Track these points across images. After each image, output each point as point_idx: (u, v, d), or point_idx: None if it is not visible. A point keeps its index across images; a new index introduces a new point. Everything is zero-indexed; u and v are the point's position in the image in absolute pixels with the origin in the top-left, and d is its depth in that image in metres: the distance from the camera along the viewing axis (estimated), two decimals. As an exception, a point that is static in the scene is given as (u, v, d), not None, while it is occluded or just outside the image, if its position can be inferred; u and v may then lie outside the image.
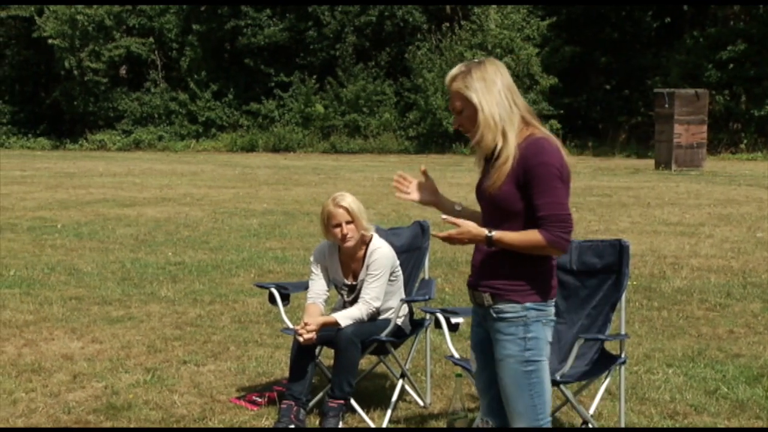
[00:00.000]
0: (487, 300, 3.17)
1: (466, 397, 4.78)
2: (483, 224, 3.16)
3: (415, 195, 3.32)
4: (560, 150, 3.09)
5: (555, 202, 3.02)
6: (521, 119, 3.10)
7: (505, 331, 3.13)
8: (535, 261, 3.13)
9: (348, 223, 4.62)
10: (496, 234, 3.07)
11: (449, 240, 3.11)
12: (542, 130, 3.12)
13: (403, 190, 3.32)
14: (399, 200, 3.23)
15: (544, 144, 3.06)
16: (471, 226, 3.10)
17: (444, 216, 3.21)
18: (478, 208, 3.30)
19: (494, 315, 3.16)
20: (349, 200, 4.65)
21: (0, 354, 5.81)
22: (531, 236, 3.04)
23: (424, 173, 3.38)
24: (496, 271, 3.15)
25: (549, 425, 3.20)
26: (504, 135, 3.07)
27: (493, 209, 3.14)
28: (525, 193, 3.04)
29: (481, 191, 3.20)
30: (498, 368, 3.18)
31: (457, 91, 3.11)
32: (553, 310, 3.21)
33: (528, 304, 3.11)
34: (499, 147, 3.09)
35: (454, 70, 3.15)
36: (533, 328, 3.12)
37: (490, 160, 3.15)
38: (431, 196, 3.35)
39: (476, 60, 3.16)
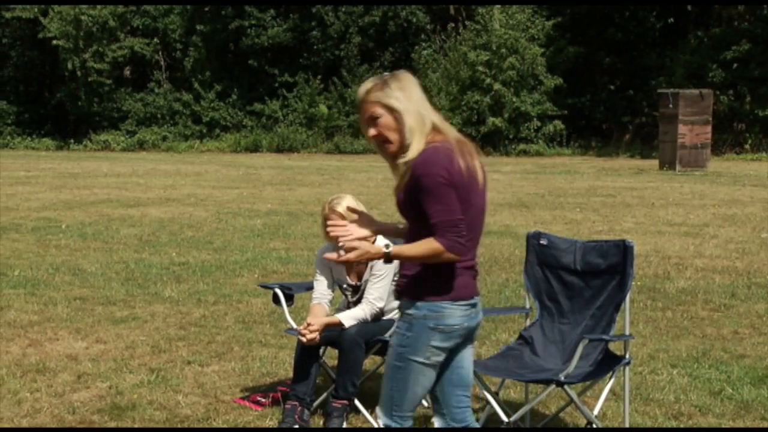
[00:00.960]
0: (395, 296, 3.31)
1: (471, 397, 4.76)
2: (406, 231, 3.27)
3: (359, 231, 3.33)
4: (450, 155, 3.10)
5: (443, 209, 3.08)
6: (433, 127, 3.17)
7: (399, 324, 3.26)
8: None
9: None
10: (393, 249, 3.15)
11: (348, 262, 3.21)
12: (447, 135, 3.17)
13: (341, 233, 3.27)
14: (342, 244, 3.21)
15: (428, 154, 3.10)
16: (368, 246, 3.18)
17: (328, 255, 3.27)
18: None
19: (400, 311, 3.29)
20: (344, 204, 4.59)
21: (5, 354, 5.82)
22: (427, 245, 3.10)
23: (351, 211, 3.51)
24: (403, 271, 3.26)
25: (407, 423, 3.28)
26: (411, 144, 3.13)
27: (403, 215, 3.25)
28: (417, 201, 3.11)
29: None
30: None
31: (376, 101, 3.15)
32: (456, 312, 3.16)
33: (419, 303, 3.17)
34: (404, 155, 3.16)
35: (368, 84, 3.20)
36: (416, 329, 3.17)
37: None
38: (372, 225, 3.42)
39: (387, 74, 3.22)
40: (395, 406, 3.26)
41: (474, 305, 3.24)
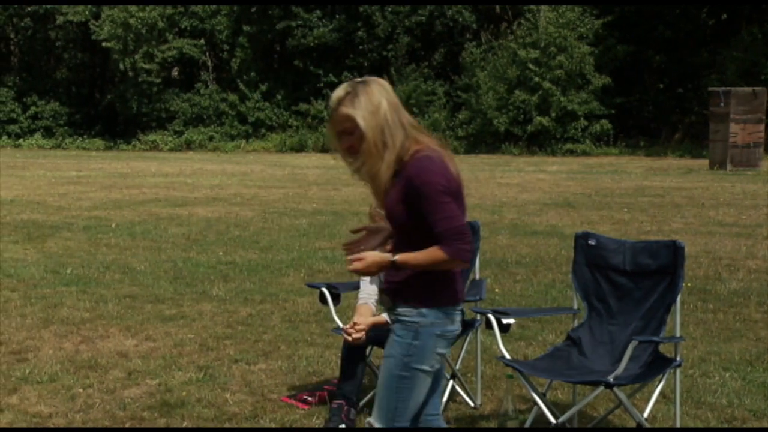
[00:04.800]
0: (388, 302, 3.23)
1: (517, 398, 4.74)
2: (394, 239, 3.24)
3: (371, 244, 3.30)
4: (444, 163, 3.09)
5: (446, 216, 3.03)
6: (407, 137, 3.10)
7: (397, 332, 3.17)
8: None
9: None
10: (399, 257, 3.09)
11: (357, 272, 3.15)
12: (429, 145, 3.12)
13: (357, 256, 3.23)
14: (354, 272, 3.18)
15: (424, 163, 3.05)
16: (376, 256, 3.13)
17: (354, 255, 3.21)
18: None
19: (394, 317, 3.21)
20: None
21: (58, 350, 5.94)
22: (433, 253, 3.05)
23: (353, 231, 3.42)
24: (397, 276, 3.18)
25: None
26: (382, 160, 3.07)
27: (393, 224, 3.19)
28: (415, 210, 3.06)
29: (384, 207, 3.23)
30: (382, 363, 3.23)
31: (347, 115, 3.09)
32: (456, 317, 3.17)
33: (423, 310, 3.12)
34: (378, 172, 3.10)
35: (340, 92, 3.14)
36: (423, 337, 3.12)
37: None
38: (380, 233, 3.35)
39: (359, 80, 3.15)
40: (397, 417, 3.18)
41: (461, 310, 3.27)
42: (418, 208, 3.06)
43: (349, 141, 3.12)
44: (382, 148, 3.07)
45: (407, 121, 3.15)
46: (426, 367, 3.15)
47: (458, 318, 3.21)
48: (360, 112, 3.07)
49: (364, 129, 3.06)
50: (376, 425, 3.21)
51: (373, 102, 3.08)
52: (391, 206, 3.14)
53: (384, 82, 3.17)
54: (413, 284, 3.14)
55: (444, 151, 3.15)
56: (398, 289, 3.18)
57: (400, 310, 3.17)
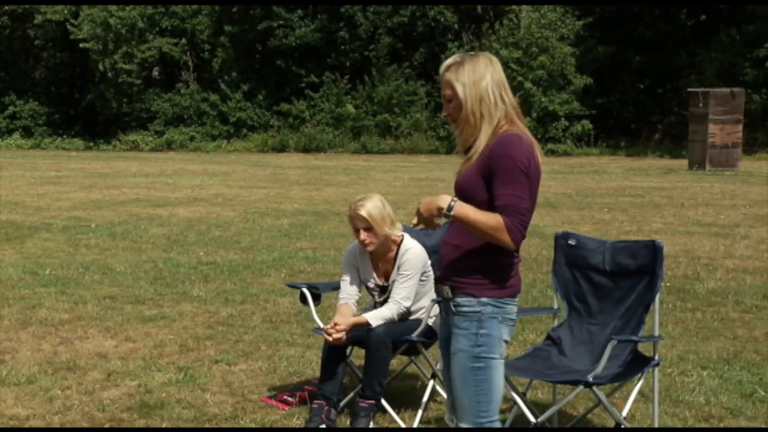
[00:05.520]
0: (447, 292, 3.18)
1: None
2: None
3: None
4: (532, 147, 3.10)
5: (515, 194, 3.02)
6: (505, 116, 3.12)
7: (460, 325, 3.14)
8: (495, 255, 3.12)
9: (366, 229, 4.61)
10: (457, 205, 3.04)
11: (422, 221, 3.11)
12: (522, 129, 3.13)
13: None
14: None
15: (512, 138, 3.07)
16: (432, 197, 3.11)
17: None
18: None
19: (453, 308, 3.17)
20: (369, 206, 4.59)
21: (37, 351, 5.89)
22: (493, 218, 3.02)
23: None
24: (457, 264, 3.15)
25: (496, 425, 3.18)
26: (480, 131, 3.10)
27: (462, 197, 3.15)
28: (489, 185, 3.07)
29: (455, 181, 3.23)
30: (451, 360, 3.19)
31: (448, 81, 3.14)
32: (513, 308, 3.18)
33: (484, 299, 3.11)
34: (474, 141, 3.14)
35: (450, 60, 3.18)
36: (487, 325, 3.11)
37: (467, 151, 3.20)
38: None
39: (471, 53, 3.19)
40: (482, 411, 3.13)
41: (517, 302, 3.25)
42: (490, 180, 3.05)
43: (447, 109, 3.17)
44: (479, 119, 3.10)
45: (509, 100, 3.15)
46: (496, 355, 3.13)
47: (515, 309, 3.19)
48: (460, 82, 3.10)
49: (462, 98, 3.10)
50: (464, 426, 3.15)
51: (476, 73, 3.11)
52: (467, 179, 3.12)
53: (494, 58, 3.18)
54: (474, 274, 3.12)
55: (534, 141, 3.15)
56: (457, 278, 3.15)
57: (460, 300, 3.14)
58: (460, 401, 3.15)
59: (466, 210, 3.05)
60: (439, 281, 3.26)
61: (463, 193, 3.14)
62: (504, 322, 3.14)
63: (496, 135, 3.10)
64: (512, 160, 3.02)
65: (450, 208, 3.05)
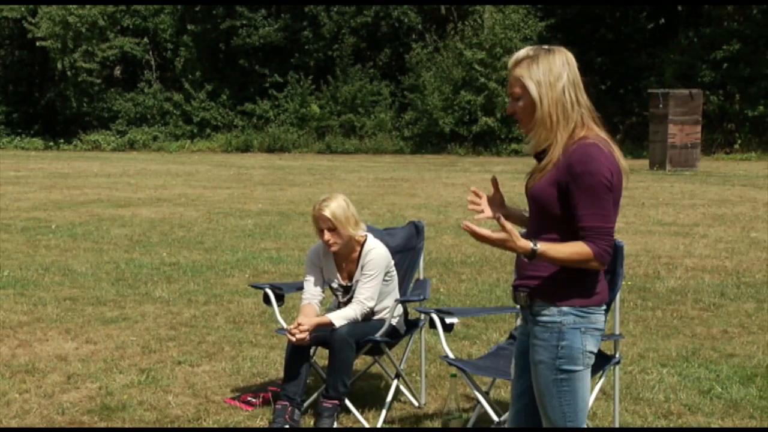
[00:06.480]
0: (525, 300, 3.01)
1: (461, 397, 4.78)
2: (529, 224, 3.05)
3: (488, 211, 3.16)
4: (613, 156, 2.88)
5: (600, 214, 2.84)
6: (580, 119, 2.91)
7: (540, 336, 2.96)
8: None
9: (330, 230, 4.61)
10: (541, 247, 2.84)
11: (483, 238, 2.82)
12: (598, 133, 2.92)
13: (477, 210, 3.15)
14: (477, 219, 3.01)
15: (592, 151, 2.84)
16: (516, 237, 2.85)
17: (501, 220, 2.91)
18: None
19: (532, 317, 3.00)
20: (333, 207, 4.59)
21: (-6, 355, 5.80)
22: (578, 248, 2.84)
23: (494, 183, 3.22)
24: (535, 272, 2.96)
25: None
26: (556, 135, 2.89)
27: (536, 208, 2.98)
28: (566, 198, 2.87)
29: (526, 188, 3.03)
30: (532, 371, 3.04)
31: (518, 78, 2.91)
32: (600, 317, 2.99)
33: (565, 308, 2.92)
34: (548, 146, 2.92)
35: (521, 53, 2.95)
36: (568, 336, 2.92)
37: (539, 155, 2.98)
38: (500, 209, 3.19)
39: (545, 47, 2.95)
40: (569, 422, 2.97)
41: (606, 310, 3.07)
42: (568, 196, 2.84)
43: (513, 106, 2.95)
44: (556, 123, 2.86)
45: (585, 103, 2.94)
46: (580, 367, 2.95)
47: (602, 318, 2.99)
48: (534, 80, 2.88)
49: (535, 98, 2.87)
50: None
51: (553, 72, 2.88)
52: (542, 190, 2.90)
53: (570, 56, 2.95)
54: (554, 281, 2.92)
55: (614, 144, 2.92)
56: (536, 286, 2.95)
57: (539, 309, 2.95)
58: (544, 411, 3.01)
59: (549, 252, 2.85)
60: (515, 289, 3.06)
61: (537, 204, 2.95)
62: (588, 332, 2.94)
63: (572, 140, 2.89)
64: (594, 177, 2.81)
65: (534, 253, 2.85)
